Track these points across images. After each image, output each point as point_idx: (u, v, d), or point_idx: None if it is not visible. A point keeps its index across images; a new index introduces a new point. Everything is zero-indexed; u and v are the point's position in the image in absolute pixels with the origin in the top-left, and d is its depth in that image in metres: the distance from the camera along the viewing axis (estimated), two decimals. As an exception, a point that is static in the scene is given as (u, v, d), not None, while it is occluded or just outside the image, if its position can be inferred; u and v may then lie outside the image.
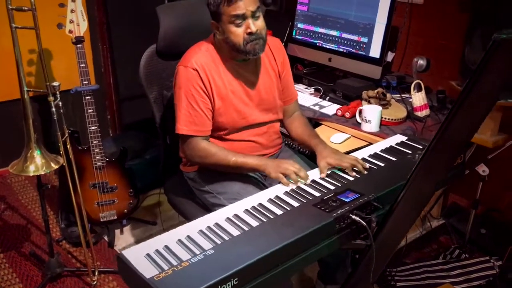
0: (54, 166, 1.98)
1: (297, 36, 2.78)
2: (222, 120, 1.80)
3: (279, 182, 1.63)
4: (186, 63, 1.74)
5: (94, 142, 2.40)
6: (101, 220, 2.53)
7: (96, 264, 2.35)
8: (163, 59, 2.03)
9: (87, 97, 2.36)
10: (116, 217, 2.55)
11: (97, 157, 2.43)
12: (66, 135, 2.03)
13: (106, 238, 2.62)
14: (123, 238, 2.65)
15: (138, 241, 2.62)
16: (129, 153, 2.59)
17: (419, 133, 2.15)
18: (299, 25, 2.76)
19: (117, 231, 2.67)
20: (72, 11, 2.27)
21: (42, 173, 1.97)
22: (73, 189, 2.17)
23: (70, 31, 2.30)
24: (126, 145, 3.00)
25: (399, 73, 2.74)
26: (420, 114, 2.24)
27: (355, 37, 2.48)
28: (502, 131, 2.17)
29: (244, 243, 1.30)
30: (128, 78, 3.45)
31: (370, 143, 2.09)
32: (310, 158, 2.06)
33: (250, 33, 1.68)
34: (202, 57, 1.75)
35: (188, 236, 1.34)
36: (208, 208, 1.88)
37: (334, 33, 2.58)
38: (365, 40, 2.44)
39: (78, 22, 2.30)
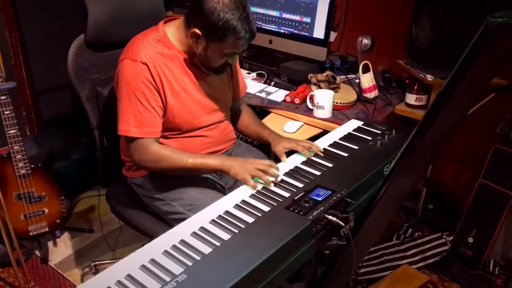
0: (-28, 183, 1.69)
1: (232, 18, 2.61)
2: (176, 121, 1.61)
3: (239, 182, 1.49)
4: (134, 56, 1.51)
5: (15, 147, 2.10)
6: (30, 234, 2.25)
7: (30, 285, 2.08)
8: (94, 50, 1.77)
9: (3, 97, 2.05)
10: (47, 229, 2.28)
11: (20, 164, 2.14)
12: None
13: (38, 253, 2.34)
14: (58, 251, 2.38)
15: (75, 252, 2.37)
16: (55, 154, 2.31)
17: (371, 115, 2.10)
18: (235, 6, 2.58)
19: (50, 244, 2.39)
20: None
21: (-43, 192, 1.67)
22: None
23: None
24: (49, 145, 2.70)
25: (339, 52, 2.68)
26: (370, 95, 2.18)
27: (297, 17, 2.36)
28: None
29: (220, 262, 1.15)
30: (43, 69, 3.10)
31: (325, 130, 2.00)
32: (260, 149, 1.95)
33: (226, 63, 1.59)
34: (151, 49, 1.54)
35: (153, 260, 1.17)
36: (160, 217, 1.70)
37: (273, 13, 2.44)
38: (307, 20, 2.32)
39: (-17, 10, 1.97)
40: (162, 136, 1.62)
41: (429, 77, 2.04)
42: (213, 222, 1.31)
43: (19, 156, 2.12)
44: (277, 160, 1.64)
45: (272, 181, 1.46)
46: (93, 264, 2.22)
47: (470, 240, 2.24)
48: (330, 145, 1.72)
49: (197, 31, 1.49)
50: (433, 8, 1.97)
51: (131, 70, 1.51)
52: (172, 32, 1.58)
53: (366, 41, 2.28)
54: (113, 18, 1.75)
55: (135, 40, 1.58)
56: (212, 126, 1.71)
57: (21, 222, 2.21)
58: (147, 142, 1.54)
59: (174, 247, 1.21)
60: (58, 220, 2.30)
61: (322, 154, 1.61)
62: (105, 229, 2.46)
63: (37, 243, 2.36)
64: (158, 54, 1.54)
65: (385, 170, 1.58)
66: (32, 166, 2.17)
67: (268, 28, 2.47)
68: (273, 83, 2.33)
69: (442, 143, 1.35)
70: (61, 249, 2.40)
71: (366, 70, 2.19)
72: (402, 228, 2.46)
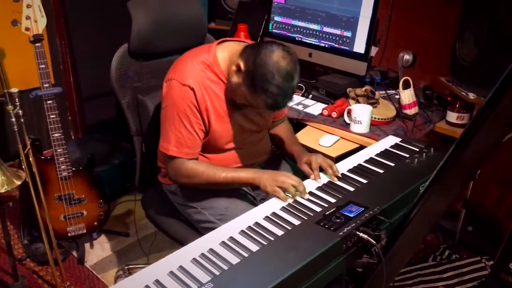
0: (17, 182, 1.76)
1: (273, 30, 2.63)
2: (217, 143, 1.64)
3: (271, 195, 1.49)
4: (183, 79, 1.54)
5: (59, 150, 2.18)
6: (69, 234, 2.32)
7: (66, 285, 2.14)
8: (137, 60, 1.83)
9: (49, 102, 2.13)
10: (85, 231, 2.35)
11: (62, 167, 2.21)
12: (28, 146, 1.81)
13: (75, 254, 2.41)
14: (94, 253, 2.44)
15: (110, 255, 2.43)
16: (96, 158, 2.38)
17: (410, 132, 2.06)
18: (276, 18, 2.60)
19: (87, 245, 2.46)
20: (28, 6, 2.03)
21: (3, 191, 1.74)
22: (37, 202, 1.95)
23: (27, 29, 2.05)
24: (91, 149, 2.79)
25: (380, 67, 2.64)
26: (409, 112, 2.14)
27: (337, 31, 2.35)
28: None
29: (246, 273, 1.15)
30: (90, 76, 3.21)
31: (361, 145, 1.98)
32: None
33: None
34: (199, 75, 1.55)
35: (181, 267, 1.19)
36: (192, 224, 1.72)
37: (314, 26, 2.44)
38: (348, 34, 2.31)
39: (36, 19, 2.06)
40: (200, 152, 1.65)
41: (471, 96, 1.99)
42: (242, 232, 1.32)
43: (62, 159, 2.19)
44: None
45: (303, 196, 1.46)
46: (126, 267, 2.26)
47: (512, 266, 2.14)
48: (366, 161, 1.69)
49: (241, 65, 1.48)
50: (478, 24, 1.92)
51: (179, 93, 1.54)
52: (224, 57, 1.58)
53: (407, 56, 2.25)
54: (156, 28, 1.80)
55: (186, 60, 1.59)
56: (249, 145, 1.73)
57: (60, 222, 2.28)
58: (183, 161, 1.58)
59: (203, 255, 1.23)
60: (95, 223, 2.36)
61: (336, 179, 1.56)
62: (140, 234, 2.51)
63: (75, 244, 2.42)
64: (206, 79, 1.56)
65: (420, 189, 1.55)
66: (74, 169, 2.24)
67: (308, 41, 2.48)
68: (311, 96, 2.32)
69: (480, 163, 1.31)
70: (97, 251, 2.46)
71: (406, 86, 2.15)
72: (439, 249, 2.38)
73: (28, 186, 1.92)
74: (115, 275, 2.28)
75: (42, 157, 2.16)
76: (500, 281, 2.17)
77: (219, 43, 1.64)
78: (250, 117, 1.68)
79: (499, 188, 2.49)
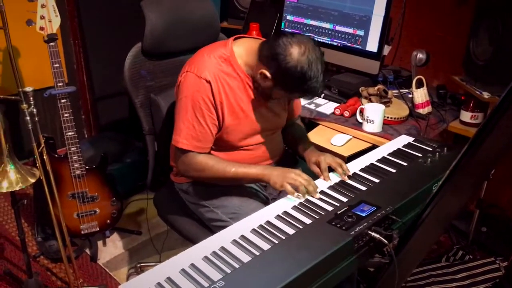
0: (31, 180, 1.78)
1: (286, 29, 2.62)
2: (229, 139, 1.63)
3: (282, 194, 1.49)
4: (199, 72, 1.54)
5: (72, 149, 2.19)
6: (82, 232, 2.34)
7: (79, 282, 2.16)
8: (150, 59, 1.84)
9: (63, 100, 2.14)
10: (98, 229, 2.36)
11: (76, 165, 2.23)
12: (43, 145, 1.83)
13: (88, 251, 2.43)
14: (107, 251, 2.46)
15: (123, 253, 2.44)
16: (108, 157, 2.39)
17: (423, 132, 2.04)
18: (288, 17, 2.60)
19: (100, 243, 2.48)
20: (42, 6, 2.05)
21: (17, 189, 1.76)
22: (51, 200, 1.97)
23: (41, 28, 2.07)
24: (104, 148, 2.81)
25: (393, 66, 2.63)
26: (422, 111, 2.12)
27: (350, 30, 2.34)
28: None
29: (258, 271, 1.15)
30: (103, 76, 3.23)
31: (374, 145, 1.97)
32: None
33: None
34: (216, 68, 1.55)
35: (193, 265, 1.19)
36: (203, 223, 1.73)
37: (327, 25, 2.43)
38: (361, 33, 2.30)
39: (50, 18, 2.08)
40: (212, 149, 1.65)
41: (486, 95, 1.97)
42: (253, 231, 1.32)
43: (75, 157, 2.21)
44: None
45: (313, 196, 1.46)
46: (138, 265, 2.27)
47: (526, 267, 2.12)
48: (378, 160, 1.69)
49: (267, 74, 1.50)
50: (492, 22, 1.90)
51: (194, 85, 1.53)
52: (240, 53, 1.59)
53: (420, 55, 2.23)
54: (169, 28, 1.81)
55: (202, 54, 1.59)
56: (262, 144, 1.73)
57: (73, 220, 2.30)
58: (194, 154, 1.58)
59: (214, 253, 1.23)
60: (108, 221, 2.38)
61: (346, 178, 1.56)
62: (152, 232, 2.52)
63: (88, 242, 2.44)
64: (222, 73, 1.56)
65: (433, 188, 1.53)
66: (87, 167, 2.26)
67: (321, 40, 2.47)
68: (323, 95, 2.31)
69: (494, 163, 1.30)
70: (110, 249, 2.47)
71: (420, 85, 2.14)
72: (452, 250, 2.36)
73: (42, 184, 1.94)
74: (127, 273, 2.30)
75: (56, 156, 2.18)
76: (515, 283, 2.15)
77: (235, 39, 1.64)
78: (266, 116, 1.68)
79: (514, 188, 2.47)
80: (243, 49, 1.59)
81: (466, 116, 2.10)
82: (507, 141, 1.15)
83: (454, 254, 2.33)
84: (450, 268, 2.23)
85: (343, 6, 2.34)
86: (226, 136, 1.62)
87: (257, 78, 1.55)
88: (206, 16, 1.93)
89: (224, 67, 1.56)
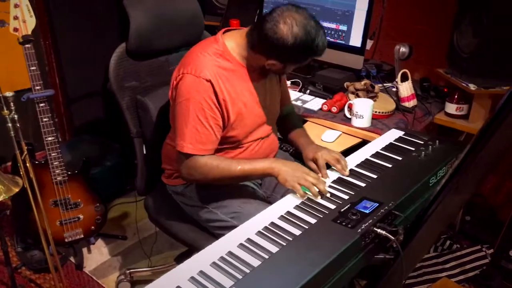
0: (15, 190, 1.70)
1: (266, 25, 2.59)
2: (232, 134, 1.59)
3: (277, 191, 1.47)
4: (197, 72, 1.48)
5: (53, 154, 2.11)
6: (66, 240, 2.26)
7: (66, 292, 2.10)
8: (135, 59, 1.78)
9: (41, 104, 2.06)
10: (82, 236, 2.29)
11: (57, 171, 2.15)
12: (25, 152, 1.74)
13: (72, 259, 2.35)
14: (93, 258, 2.39)
15: (110, 259, 2.38)
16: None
17: (410, 125, 2.06)
18: (269, 13, 2.57)
19: (84, 251, 2.40)
20: (16, 6, 1.95)
21: (1, 199, 1.68)
22: (32, 208, 1.89)
23: (16, 29, 1.98)
24: (82, 151, 2.74)
25: (374, 60, 2.64)
26: (408, 104, 2.14)
27: (333, 25, 2.33)
28: (491, 118, 2.11)
29: (270, 275, 1.13)
30: (76, 77, 3.13)
31: (364, 140, 1.97)
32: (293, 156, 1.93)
33: None
34: (213, 65, 1.51)
35: (202, 272, 1.16)
36: (200, 225, 1.69)
37: (308, 21, 2.41)
38: (344, 28, 2.29)
39: (25, 19, 1.99)
40: (217, 152, 1.60)
41: (472, 87, 2.00)
42: (259, 233, 1.29)
43: (56, 163, 2.13)
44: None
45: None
46: (128, 271, 2.21)
47: (512, 253, 2.17)
48: (373, 156, 1.69)
49: (274, 62, 1.50)
50: (476, 15, 1.93)
51: (193, 86, 1.48)
52: (233, 46, 1.56)
53: (403, 49, 2.24)
54: (153, 27, 1.76)
55: (196, 53, 1.54)
56: (261, 140, 1.70)
57: (57, 228, 2.21)
58: (198, 158, 1.52)
59: (222, 259, 1.20)
60: (93, 227, 2.30)
61: (346, 173, 1.56)
62: (139, 236, 2.46)
63: (72, 250, 2.37)
64: (221, 69, 1.52)
65: (430, 182, 1.55)
66: (69, 173, 2.18)
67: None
68: (308, 91, 2.30)
69: (498, 160, 1.31)
70: (95, 256, 2.40)
71: (404, 78, 2.15)
72: (440, 240, 2.40)
73: (21, 192, 1.86)
74: (117, 280, 2.23)
75: (36, 162, 2.09)
76: (501, 268, 2.20)
77: (223, 33, 1.60)
78: (264, 104, 1.65)
79: (495, 176, 2.52)
80: (234, 43, 1.56)
81: (451, 108, 2.13)
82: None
83: (442, 244, 2.37)
84: (439, 258, 2.27)
85: (325, 1, 2.33)
86: (232, 133, 1.58)
87: (266, 68, 1.54)
88: (191, 13, 1.89)
89: (221, 62, 1.53)
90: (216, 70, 1.51)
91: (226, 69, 1.53)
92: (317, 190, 1.43)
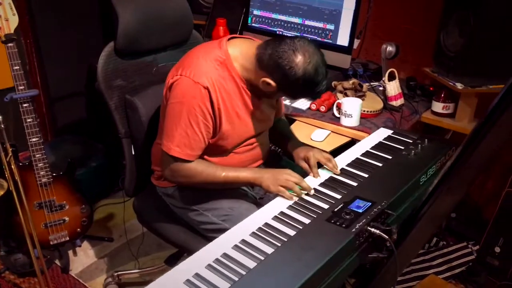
0: (0, 192, 1.66)
1: (253, 24, 2.59)
2: (223, 144, 1.58)
3: (275, 195, 1.46)
4: (196, 77, 1.46)
5: (37, 155, 2.07)
6: (51, 243, 2.21)
7: (52, 296, 2.06)
8: (123, 58, 1.75)
9: (25, 105, 2.01)
10: (68, 238, 2.25)
11: (41, 173, 2.10)
12: (10, 154, 1.70)
13: (58, 262, 2.30)
14: (79, 261, 2.35)
15: (96, 261, 2.34)
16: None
17: (398, 123, 2.07)
18: (255, 12, 2.56)
19: (70, 253, 2.36)
20: (-2, 4, 1.91)
21: (-14, 203, 1.64)
22: (16, 211, 1.85)
23: (-3, 28, 1.94)
24: (65, 152, 2.69)
25: (360, 59, 2.65)
26: (395, 103, 2.15)
27: (320, 25, 2.33)
28: (477, 117, 2.14)
29: (266, 277, 1.12)
30: (58, 76, 3.07)
31: (353, 139, 1.98)
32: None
33: None
34: (213, 73, 1.48)
35: (197, 274, 1.15)
36: (191, 227, 1.67)
37: (296, 20, 2.41)
38: (331, 27, 2.30)
39: (7, 17, 1.95)
40: (203, 154, 1.59)
41: (459, 86, 2.02)
42: (254, 234, 1.28)
43: (41, 165, 2.09)
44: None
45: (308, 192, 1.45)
46: (116, 274, 2.17)
47: (497, 250, 2.20)
48: (363, 155, 1.69)
49: (271, 82, 1.48)
50: (463, 15, 1.95)
51: (190, 91, 1.46)
52: (236, 55, 1.53)
53: (390, 48, 2.26)
54: (142, 26, 1.73)
55: (197, 57, 1.52)
56: (253, 146, 1.69)
57: (42, 231, 2.17)
58: (184, 162, 1.51)
59: (218, 261, 1.19)
60: (78, 229, 2.26)
61: (338, 172, 1.56)
62: (125, 238, 2.43)
63: (57, 253, 2.32)
64: (219, 78, 1.50)
65: (421, 181, 1.56)
66: (54, 174, 2.14)
67: (290, 35, 2.45)
68: (296, 90, 2.30)
69: (491, 161, 1.32)
70: (82, 258, 2.36)
71: (391, 78, 2.17)
72: (427, 238, 2.43)
73: (5, 195, 1.82)
74: (104, 282, 2.19)
75: (20, 163, 2.05)
76: (487, 265, 2.23)
77: (228, 39, 1.58)
78: (259, 118, 1.64)
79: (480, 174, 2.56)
80: (239, 52, 1.53)
81: (438, 106, 2.15)
82: (505, 139, 1.16)
83: (429, 241, 2.40)
84: (426, 256, 2.29)
85: (312, 1, 2.33)
86: (221, 142, 1.58)
87: (257, 83, 1.51)
88: (180, 12, 1.87)
89: (220, 71, 1.51)
90: (215, 78, 1.49)
91: (224, 78, 1.51)
92: (300, 188, 1.43)
